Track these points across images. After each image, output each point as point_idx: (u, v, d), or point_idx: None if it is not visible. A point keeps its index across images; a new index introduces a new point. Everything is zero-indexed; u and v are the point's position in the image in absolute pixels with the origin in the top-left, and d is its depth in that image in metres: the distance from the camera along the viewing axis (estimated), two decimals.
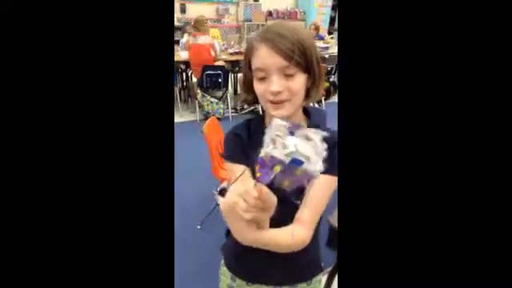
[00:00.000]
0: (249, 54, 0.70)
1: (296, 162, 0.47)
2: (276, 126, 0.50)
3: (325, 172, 0.74)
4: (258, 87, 0.69)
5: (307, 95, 0.72)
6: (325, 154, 0.49)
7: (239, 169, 0.72)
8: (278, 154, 0.48)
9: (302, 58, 0.66)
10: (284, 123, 0.51)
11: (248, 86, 0.73)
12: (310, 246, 0.74)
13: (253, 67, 0.69)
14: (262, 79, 0.68)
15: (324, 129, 0.80)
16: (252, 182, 0.52)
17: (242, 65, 0.75)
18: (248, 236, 0.63)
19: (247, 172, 0.71)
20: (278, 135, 0.49)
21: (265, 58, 0.66)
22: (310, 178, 0.49)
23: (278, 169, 0.48)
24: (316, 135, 0.50)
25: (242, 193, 0.52)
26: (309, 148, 0.48)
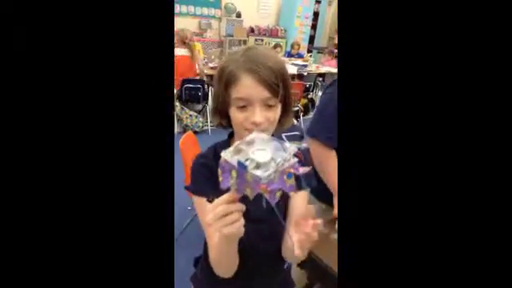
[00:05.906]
0: (228, 82, 0.68)
1: (241, 166, 0.46)
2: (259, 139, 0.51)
3: (301, 188, 0.75)
4: (237, 115, 0.68)
5: (279, 122, 0.73)
6: (286, 165, 0.47)
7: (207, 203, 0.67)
8: (230, 157, 0.48)
9: (283, 90, 0.67)
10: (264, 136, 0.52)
11: (223, 111, 0.72)
12: (282, 265, 0.76)
13: (233, 96, 0.67)
14: (242, 107, 0.67)
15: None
16: None
17: (216, 90, 0.72)
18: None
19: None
20: (243, 144, 0.50)
21: (249, 88, 0.65)
22: (258, 183, 0.46)
23: (234, 173, 0.48)
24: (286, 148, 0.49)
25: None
26: (264, 155, 0.47)
